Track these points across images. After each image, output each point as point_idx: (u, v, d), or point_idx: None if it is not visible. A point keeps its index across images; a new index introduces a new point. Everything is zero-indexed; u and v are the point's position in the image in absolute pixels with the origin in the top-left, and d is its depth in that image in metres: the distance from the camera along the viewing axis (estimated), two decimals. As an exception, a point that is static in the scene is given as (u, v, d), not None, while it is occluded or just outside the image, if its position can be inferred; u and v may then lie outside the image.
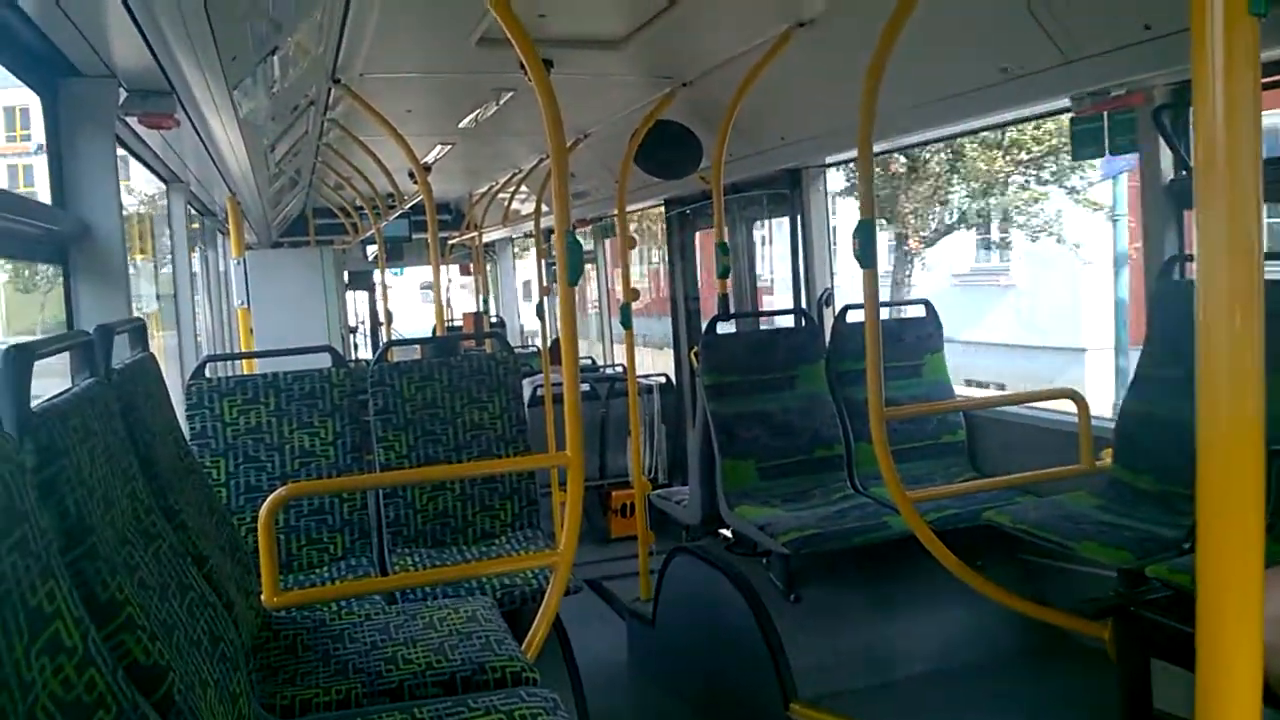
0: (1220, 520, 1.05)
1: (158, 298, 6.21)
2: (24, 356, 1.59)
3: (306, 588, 3.80)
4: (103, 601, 1.59)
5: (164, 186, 5.58)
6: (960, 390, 5.38)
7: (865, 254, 3.55)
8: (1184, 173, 3.80)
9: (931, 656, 4.16)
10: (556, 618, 3.54)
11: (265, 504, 3.12)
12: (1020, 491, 4.26)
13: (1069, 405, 4.08)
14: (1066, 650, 4.03)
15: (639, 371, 6.27)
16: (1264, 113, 1.05)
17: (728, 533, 5.12)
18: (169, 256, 5.93)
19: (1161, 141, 3.77)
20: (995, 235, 20.01)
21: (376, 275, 11.49)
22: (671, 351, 8.03)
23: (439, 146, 7.25)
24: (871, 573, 4.39)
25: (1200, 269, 1.04)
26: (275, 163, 6.19)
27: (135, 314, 3.26)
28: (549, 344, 7.15)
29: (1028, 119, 4.27)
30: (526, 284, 14.79)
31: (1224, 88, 0.99)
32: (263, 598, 3.02)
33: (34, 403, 1.62)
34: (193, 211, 6.52)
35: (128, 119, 3.33)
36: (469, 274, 13.61)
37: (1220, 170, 1.01)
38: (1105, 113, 3.59)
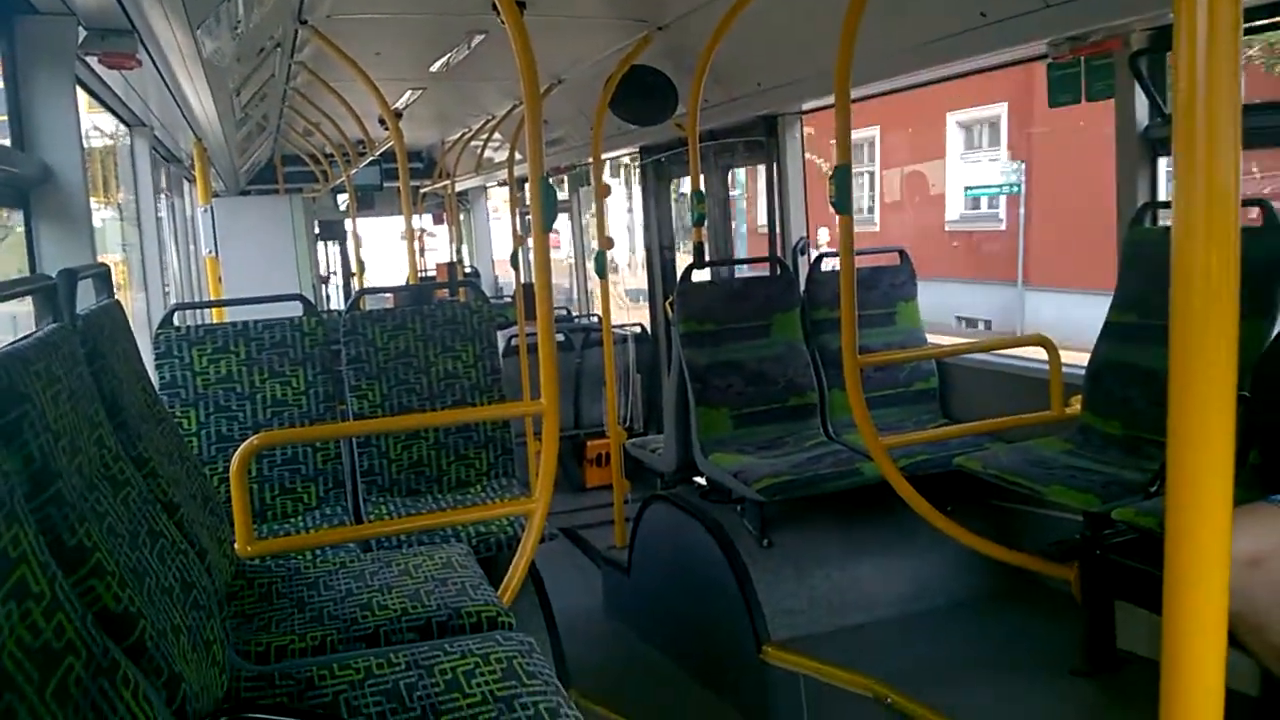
0: (1191, 464, 1.06)
1: (124, 246, 6.10)
2: None
3: (280, 537, 3.79)
4: (70, 547, 1.58)
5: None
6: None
7: (842, 200, 3.54)
8: (1159, 119, 3.80)
9: (902, 599, 4.23)
10: (532, 565, 3.56)
11: (237, 453, 3.09)
12: (991, 438, 4.31)
13: (1040, 352, 4.12)
14: (1033, 592, 4.11)
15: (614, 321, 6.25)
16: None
17: (702, 480, 5.15)
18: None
19: (1137, 87, 3.76)
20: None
21: (349, 224, 11.35)
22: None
23: (410, 91, 7.13)
24: (844, 518, 4.45)
25: (1177, 214, 1.03)
26: (241, 107, 6.06)
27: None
28: (523, 292, 7.11)
29: (1005, 64, 4.24)
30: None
31: (1206, 29, 0.98)
32: (236, 546, 3.01)
33: None
34: (158, 157, 6.38)
35: (88, 59, 3.24)
36: (442, 223, 13.48)
37: (1199, 114, 1.00)
38: (1082, 58, 3.58)
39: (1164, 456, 2.79)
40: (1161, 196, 3.89)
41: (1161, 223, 3.86)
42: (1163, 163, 3.89)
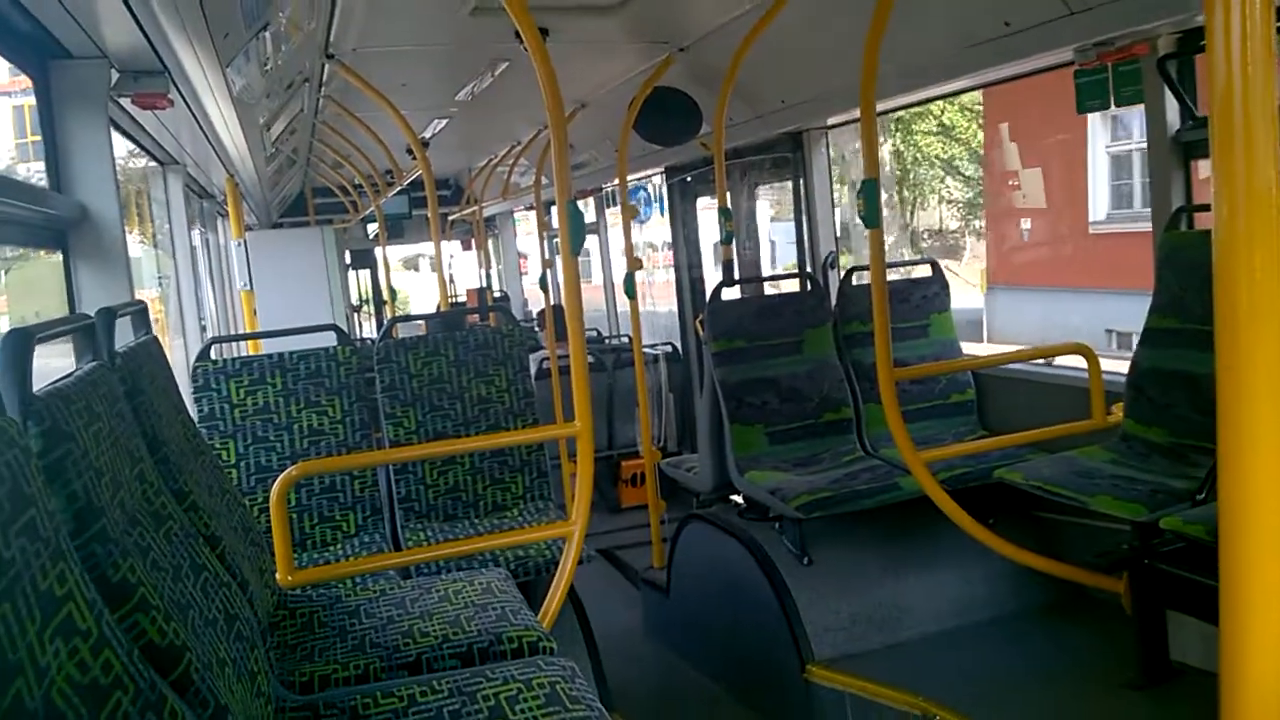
0: (1241, 469, 1.03)
1: (159, 282, 6.19)
2: (24, 339, 1.58)
3: (320, 565, 3.81)
4: (115, 583, 1.59)
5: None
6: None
7: (870, 214, 3.52)
8: (1190, 122, 3.76)
9: (946, 615, 4.17)
10: (571, 587, 3.55)
11: (276, 483, 3.11)
12: (1031, 449, 4.24)
13: (1078, 361, 4.06)
14: (1082, 605, 4.03)
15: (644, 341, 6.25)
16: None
17: (739, 499, 5.12)
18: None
19: (1167, 91, 3.72)
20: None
21: (379, 253, 11.45)
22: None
23: (436, 120, 7.20)
24: (884, 534, 4.40)
25: (1217, 217, 1.01)
26: (272, 142, 6.14)
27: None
28: (552, 314, 7.13)
29: (1031, 73, 4.21)
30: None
31: (1239, 29, 0.97)
32: (277, 576, 3.03)
33: (36, 387, 1.60)
34: (191, 193, 6.48)
35: (121, 100, 3.30)
36: (470, 249, 13.56)
37: (1236, 116, 0.98)
38: (1109, 64, 3.55)
39: (1210, 463, 2.74)
40: (1197, 200, 3.84)
41: (1197, 226, 3.80)
42: (1195, 166, 3.84)
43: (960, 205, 31.79)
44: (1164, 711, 3.24)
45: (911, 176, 29.77)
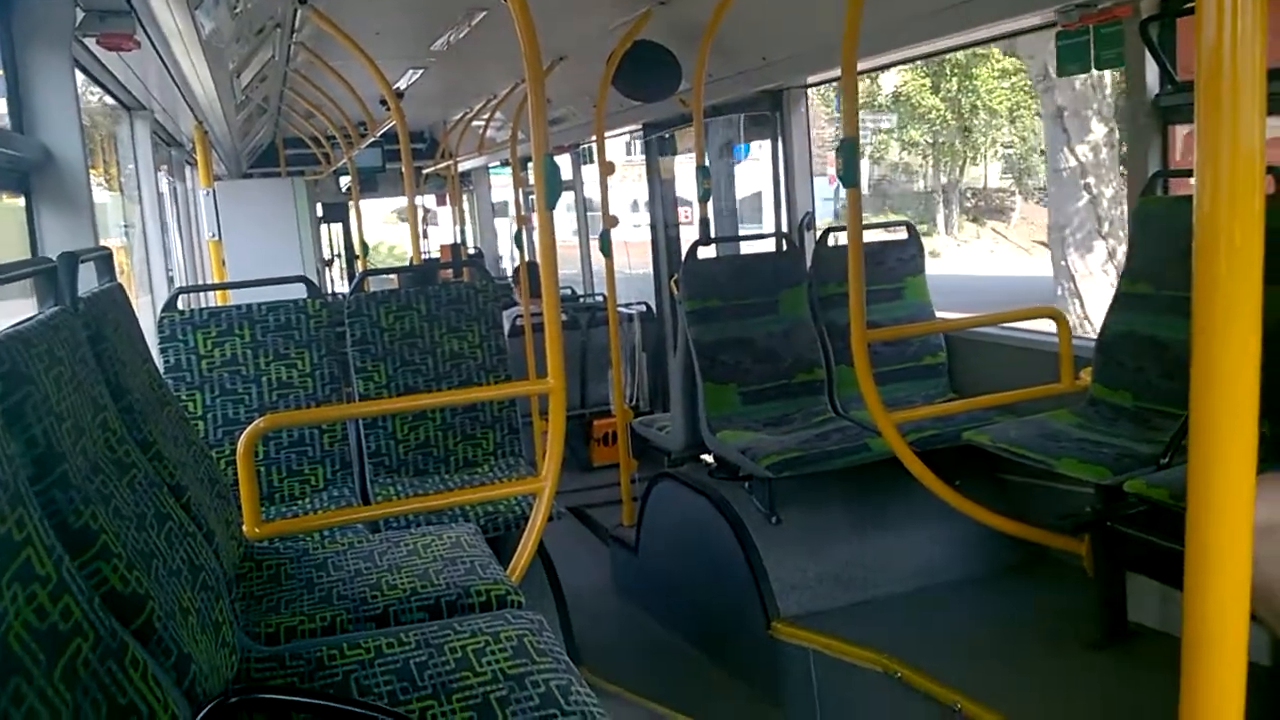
0: (1214, 436, 1.03)
1: (125, 230, 6.08)
2: None
3: (288, 518, 3.79)
4: (75, 530, 1.57)
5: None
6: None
7: (848, 174, 3.50)
8: (1169, 87, 3.76)
9: (911, 575, 4.22)
10: (541, 544, 3.56)
11: (243, 435, 3.08)
12: (1000, 411, 4.29)
13: (1049, 325, 4.09)
14: (1044, 566, 4.10)
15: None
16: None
17: (710, 458, 5.14)
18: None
19: (1147, 55, 3.71)
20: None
21: (351, 207, 11.32)
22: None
23: (411, 71, 7.08)
24: (852, 494, 4.43)
25: (1200, 183, 1.00)
26: (242, 89, 6.02)
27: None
28: (527, 271, 7.09)
29: (1013, 34, 4.18)
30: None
31: None
32: (244, 528, 3.01)
33: None
34: (159, 141, 6.35)
35: (85, 40, 3.21)
36: (444, 204, 13.43)
37: (1224, 76, 0.97)
38: (1091, 26, 3.53)
39: (1175, 428, 2.77)
40: (1173, 165, 3.85)
41: (1172, 192, 3.82)
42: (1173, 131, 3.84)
43: (1012, 160, 30.14)
44: (1123, 670, 3.31)
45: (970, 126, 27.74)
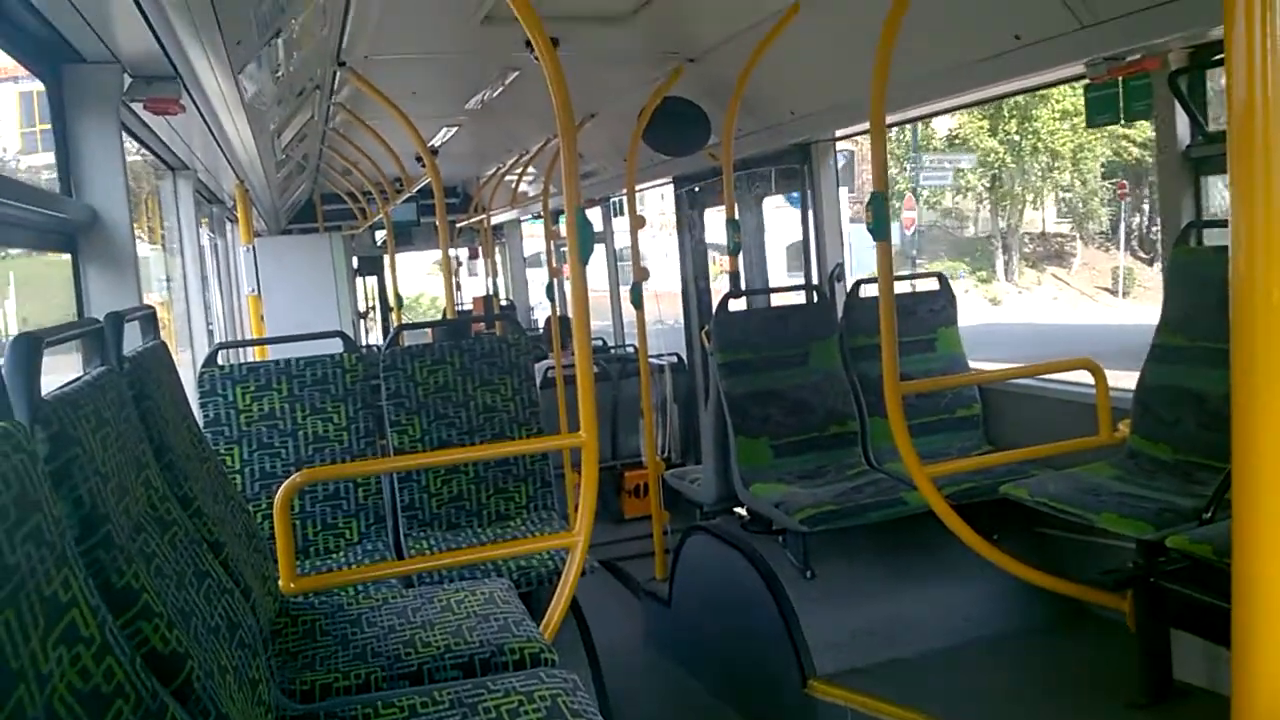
0: (1255, 487, 1.02)
1: (168, 285, 6.21)
2: (33, 344, 1.57)
3: (323, 573, 3.80)
4: (118, 590, 1.59)
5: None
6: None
7: (879, 227, 3.52)
8: (1200, 138, 3.75)
9: (949, 631, 4.14)
10: (573, 599, 3.54)
11: (280, 490, 3.11)
12: (1037, 464, 4.23)
13: (1085, 376, 4.05)
14: (1085, 623, 4.01)
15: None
16: None
17: (743, 511, 5.11)
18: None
19: (1177, 106, 3.71)
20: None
21: (386, 259, 11.48)
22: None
23: (445, 129, 7.22)
24: (888, 548, 4.38)
25: (1235, 233, 1.00)
26: (282, 148, 6.16)
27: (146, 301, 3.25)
28: (558, 323, 7.13)
29: (1041, 87, 4.20)
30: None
31: (1260, 42, 0.96)
32: (280, 583, 3.02)
33: (44, 392, 1.60)
34: (201, 199, 6.51)
35: (133, 105, 3.31)
36: (477, 256, 13.58)
37: (1256, 128, 0.97)
38: (1120, 79, 3.54)
39: (1217, 481, 2.71)
40: (1206, 216, 3.83)
41: (1206, 243, 3.79)
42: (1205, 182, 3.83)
43: (1071, 204, 29.35)
44: None
45: (1026, 169, 27.12)
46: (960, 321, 5.16)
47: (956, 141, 27.49)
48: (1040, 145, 26.74)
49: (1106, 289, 28.55)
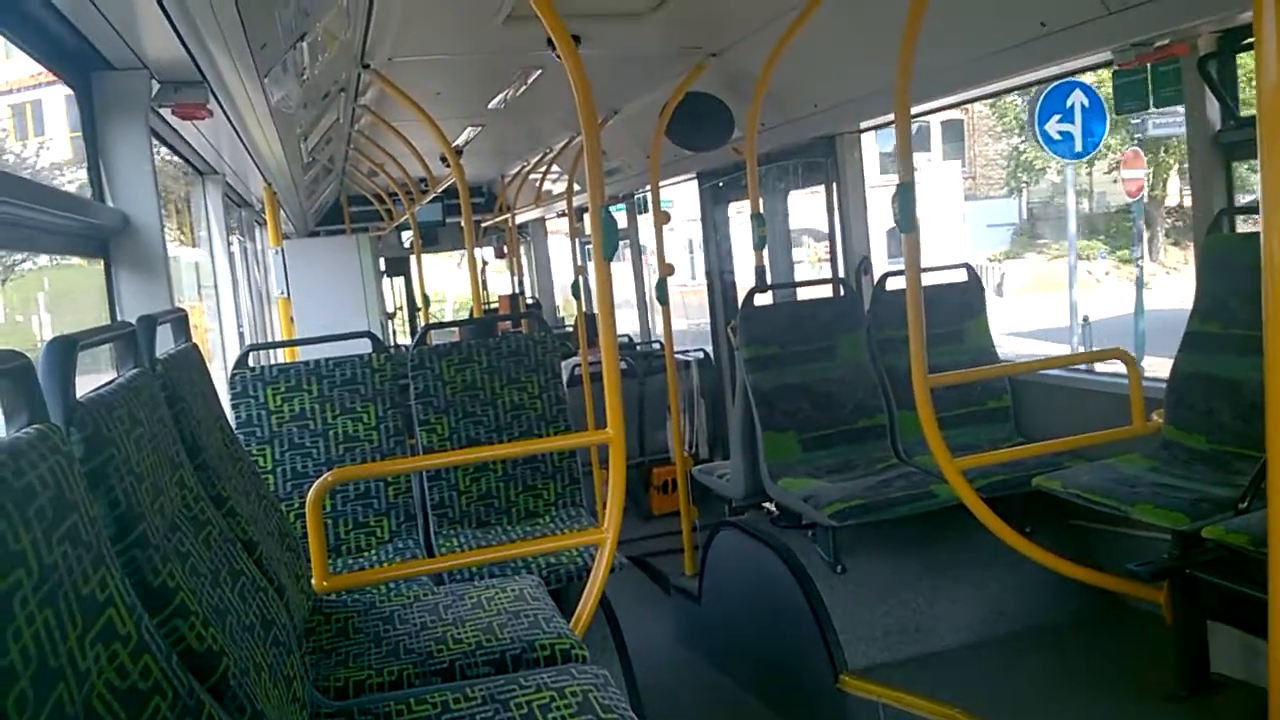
0: None
1: (199, 289, 6.28)
2: (68, 347, 1.60)
3: (355, 571, 3.84)
4: (154, 588, 1.61)
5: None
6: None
7: (905, 218, 3.49)
8: (1231, 123, 3.69)
9: (982, 625, 4.12)
10: (603, 595, 3.55)
11: (312, 489, 3.14)
12: (1069, 456, 4.19)
13: (1117, 366, 4.01)
14: (1120, 615, 3.97)
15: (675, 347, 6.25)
16: None
17: (771, 506, 5.10)
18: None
19: (1208, 92, 3.66)
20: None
21: (413, 260, 11.55)
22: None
23: (469, 128, 7.25)
24: (918, 542, 4.36)
25: (1266, 218, 0.99)
26: (309, 151, 6.21)
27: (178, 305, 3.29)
28: (584, 321, 7.14)
29: (1068, 74, 4.16)
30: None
31: None
32: (313, 582, 3.05)
33: (79, 394, 1.63)
34: (230, 202, 6.57)
35: (161, 111, 3.35)
36: (503, 256, 13.62)
37: None
38: (1149, 64, 3.50)
39: (1253, 470, 2.68)
40: (1238, 202, 3.77)
41: (1239, 229, 3.74)
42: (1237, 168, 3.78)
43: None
44: None
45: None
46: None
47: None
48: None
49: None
